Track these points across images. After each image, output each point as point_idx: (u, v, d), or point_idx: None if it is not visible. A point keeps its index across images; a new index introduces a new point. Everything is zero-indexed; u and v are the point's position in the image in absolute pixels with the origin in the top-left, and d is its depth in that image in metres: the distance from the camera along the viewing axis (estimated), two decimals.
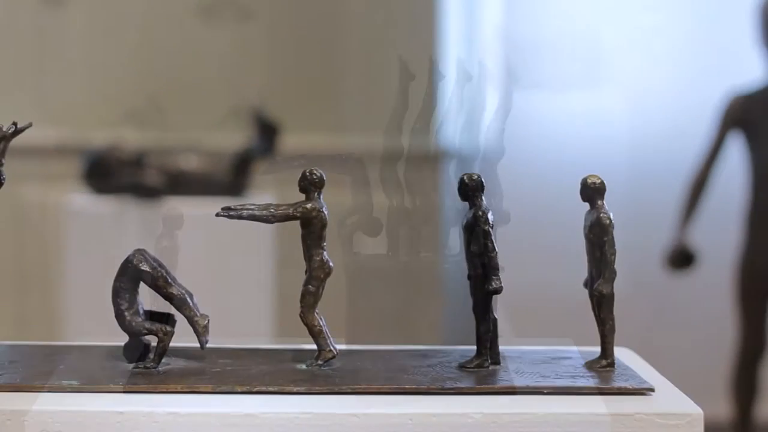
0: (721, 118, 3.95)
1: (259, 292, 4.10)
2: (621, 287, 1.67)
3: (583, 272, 1.59)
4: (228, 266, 4.10)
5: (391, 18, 4.77)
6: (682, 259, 4.05)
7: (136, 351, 1.48)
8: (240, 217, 1.50)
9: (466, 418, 1.35)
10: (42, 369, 1.45)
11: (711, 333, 4.47)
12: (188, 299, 1.48)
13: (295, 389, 1.39)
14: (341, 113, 4.76)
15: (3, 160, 1.48)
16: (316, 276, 1.49)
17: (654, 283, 4.43)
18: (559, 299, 4.37)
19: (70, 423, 1.32)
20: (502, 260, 1.62)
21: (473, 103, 5.11)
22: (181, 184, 4.12)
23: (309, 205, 1.50)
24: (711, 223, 4.19)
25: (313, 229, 1.50)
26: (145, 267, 1.47)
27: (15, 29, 4.71)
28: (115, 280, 1.48)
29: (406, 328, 4.72)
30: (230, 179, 4.14)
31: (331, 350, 1.48)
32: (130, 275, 1.47)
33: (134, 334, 1.47)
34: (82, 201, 4.09)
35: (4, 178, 1.50)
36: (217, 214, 1.49)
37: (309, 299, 1.50)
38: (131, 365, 1.46)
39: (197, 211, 4.17)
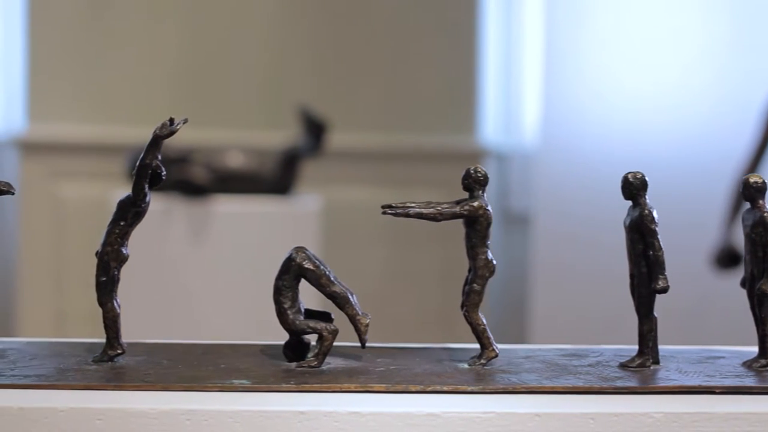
0: (766, 117, 3.94)
1: (303, 291, 4.08)
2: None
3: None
4: (272, 263, 4.08)
5: (432, 16, 4.75)
6: (729, 259, 4.04)
7: (297, 350, 1.46)
8: (407, 215, 1.48)
9: (647, 417, 1.33)
10: (205, 368, 1.43)
11: None
12: (351, 298, 1.46)
13: (469, 388, 1.38)
14: (385, 112, 4.74)
15: (159, 155, 1.45)
16: (481, 275, 1.48)
17: None
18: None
19: (251, 422, 1.30)
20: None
21: (514, 101, 5.11)
22: (228, 181, 4.10)
23: (476, 203, 1.48)
24: None
25: (478, 228, 1.48)
26: (308, 265, 1.45)
27: (62, 28, 4.68)
28: (277, 279, 1.46)
29: (448, 326, 4.71)
30: (277, 177, 4.12)
31: (494, 349, 1.47)
32: (293, 273, 1.45)
33: (297, 332, 1.45)
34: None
35: (164, 174, 1.47)
36: (384, 212, 1.47)
37: (474, 298, 1.48)
38: (293, 364, 1.44)
39: (244, 209, 4.19)
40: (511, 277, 4.86)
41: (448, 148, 4.77)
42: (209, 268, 4.07)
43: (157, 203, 4.05)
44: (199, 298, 4.04)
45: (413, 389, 1.38)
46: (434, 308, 4.76)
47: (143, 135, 4.56)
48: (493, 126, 4.86)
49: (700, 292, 4.46)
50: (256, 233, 4.09)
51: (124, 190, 4.38)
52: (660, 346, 1.66)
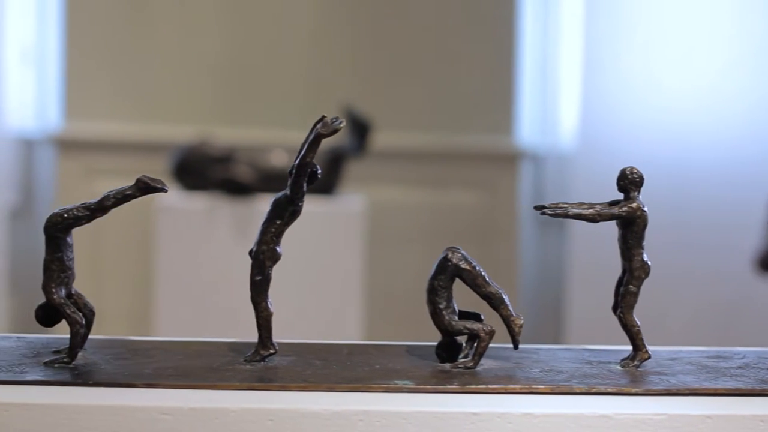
0: None
1: (347, 290, 4.07)
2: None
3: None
4: (316, 263, 4.08)
5: (471, 16, 4.74)
6: None
7: (450, 351, 1.45)
8: (566, 216, 1.47)
9: None
10: (360, 369, 1.42)
11: None
12: (505, 298, 1.44)
13: (633, 390, 1.37)
14: (425, 112, 4.73)
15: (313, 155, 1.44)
16: (637, 276, 1.47)
17: None
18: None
19: (424, 423, 1.29)
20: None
21: (550, 102, 5.11)
22: (272, 181, 4.08)
23: (634, 205, 1.47)
24: None
25: (635, 229, 1.47)
26: (464, 265, 1.43)
27: (100, 25, 4.66)
28: (432, 278, 1.45)
29: None
30: (322, 177, 4.10)
31: (647, 351, 1.46)
32: (449, 273, 1.44)
33: (453, 333, 1.44)
34: (172, 197, 4.05)
35: (320, 173, 1.45)
36: (542, 213, 1.46)
37: (630, 299, 1.47)
38: (447, 365, 1.43)
39: None
40: (547, 278, 4.86)
41: (485, 148, 4.76)
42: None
43: (201, 202, 4.05)
44: (244, 297, 4.02)
45: (578, 390, 1.37)
46: (473, 307, 4.75)
47: (182, 133, 4.55)
48: (529, 127, 4.86)
49: (741, 293, 4.46)
50: (300, 233, 4.07)
51: (172, 189, 4.34)
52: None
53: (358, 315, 4.06)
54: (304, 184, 1.44)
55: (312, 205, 4.09)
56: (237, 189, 4.02)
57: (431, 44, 4.73)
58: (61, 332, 1.57)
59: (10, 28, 4.51)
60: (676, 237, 4.44)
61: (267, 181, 4.07)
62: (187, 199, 4.05)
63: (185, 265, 4.04)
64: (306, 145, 1.43)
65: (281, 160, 4.11)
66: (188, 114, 4.65)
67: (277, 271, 4.39)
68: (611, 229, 4.93)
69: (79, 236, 4.61)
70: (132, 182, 4.89)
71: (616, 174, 5.36)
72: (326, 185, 4.11)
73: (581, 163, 4.57)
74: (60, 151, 4.67)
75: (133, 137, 4.64)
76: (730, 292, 4.48)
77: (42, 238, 4.84)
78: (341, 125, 1.40)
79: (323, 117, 1.45)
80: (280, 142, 4.26)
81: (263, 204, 4.04)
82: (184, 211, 4.03)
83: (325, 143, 4.51)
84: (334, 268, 4.08)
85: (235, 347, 1.54)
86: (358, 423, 1.29)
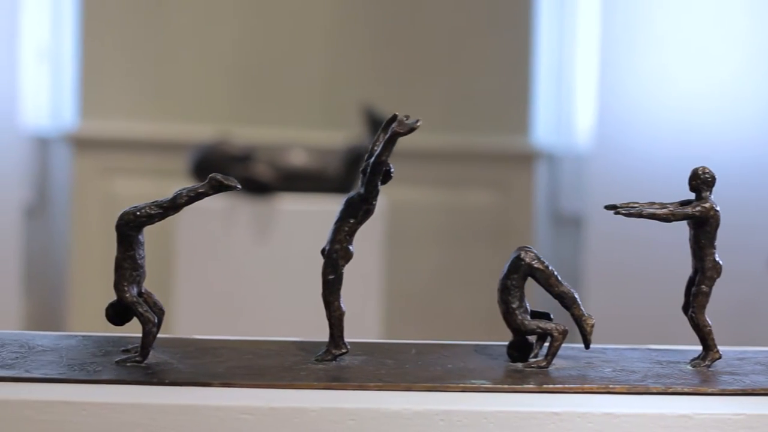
0: None
1: (366, 289, 4.07)
2: None
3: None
4: None
5: (487, 16, 4.75)
6: None
7: (522, 350, 1.45)
8: (640, 215, 1.47)
9: None
10: (433, 368, 1.42)
11: None
12: (577, 298, 1.45)
13: (709, 390, 1.37)
14: (443, 112, 4.73)
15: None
16: (710, 276, 1.47)
17: None
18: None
19: (506, 423, 1.28)
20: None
21: (566, 102, 5.10)
22: (292, 180, 4.08)
23: (707, 205, 1.47)
24: None
25: (708, 229, 1.47)
26: (538, 265, 1.43)
27: (116, 23, 4.65)
28: (505, 278, 1.45)
29: (498, 324, 4.71)
30: (341, 176, 4.10)
31: (718, 351, 1.46)
32: (522, 273, 1.44)
33: (526, 333, 1.43)
34: None
35: (393, 172, 1.45)
36: (616, 212, 1.46)
37: (702, 300, 1.47)
38: (519, 364, 1.43)
39: (308, 207, 4.17)
40: (562, 278, 4.85)
41: (501, 148, 4.76)
42: (273, 266, 4.05)
43: (220, 201, 4.04)
44: (263, 297, 4.02)
45: (654, 390, 1.37)
46: (489, 307, 4.76)
47: (200, 132, 4.55)
48: (545, 127, 4.86)
49: (757, 293, 4.47)
50: (319, 232, 4.06)
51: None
52: None
53: (376, 314, 4.06)
54: (378, 183, 1.43)
55: (331, 204, 4.09)
56: (257, 188, 4.02)
57: (447, 44, 4.73)
58: (122, 331, 1.56)
59: (25, 25, 4.50)
60: None
61: (287, 180, 4.07)
62: (206, 198, 4.04)
63: (204, 264, 4.03)
64: (381, 144, 1.42)
65: (301, 159, 4.11)
66: (206, 112, 4.64)
67: (295, 270, 4.38)
68: (627, 229, 4.91)
69: (96, 235, 4.64)
70: (155, 180, 4.96)
71: (632, 174, 5.39)
72: (345, 185, 4.10)
73: (597, 163, 4.57)
74: (75, 150, 4.66)
75: (150, 136, 4.63)
76: (746, 291, 4.49)
77: (57, 237, 4.85)
78: (418, 124, 1.39)
79: (395, 115, 1.44)
80: (299, 141, 4.26)
81: (283, 203, 4.04)
82: (204, 209, 4.01)
83: (342, 143, 4.49)
84: (353, 267, 4.06)
85: (302, 346, 1.54)
86: (439, 423, 1.28)
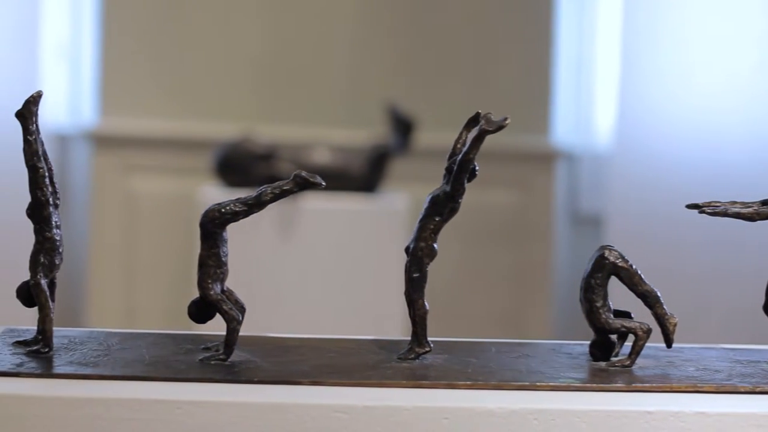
0: None
1: (389, 288, 4.07)
2: None
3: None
4: (358, 261, 4.07)
5: (508, 14, 4.75)
6: None
7: (604, 349, 1.45)
8: (725, 214, 1.47)
9: None
10: (515, 368, 1.42)
11: None
12: (660, 297, 1.45)
13: None
14: (464, 111, 4.73)
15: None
16: None
17: None
18: None
19: (598, 422, 1.28)
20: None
21: (586, 101, 5.09)
22: None
23: None
24: None
25: None
26: (622, 264, 1.44)
27: (145, 22, 4.64)
28: (588, 276, 1.45)
29: (517, 323, 4.72)
30: (365, 175, 4.10)
31: None
32: (606, 271, 1.44)
33: (610, 331, 1.44)
34: (214, 193, 4.04)
35: (477, 170, 1.45)
36: (701, 211, 1.46)
37: None
38: (603, 363, 1.43)
39: (331, 206, 4.16)
40: (580, 279, 4.85)
41: (521, 148, 4.76)
42: (296, 265, 4.05)
43: None
44: (286, 295, 4.02)
45: (742, 389, 1.37)
46: (508, 306, 4.76)
47: (221, 130, 4.54)
48: (565, 126, 4.86)
49: None
50: (343, 230, 4.08)
51: (209, 186, 4.33)
52: None
53: (399, 312, 4.06)
54: (465, 181, 1.43)
55: (355, 203, 4.10)
56: None
57: (469, 44, 4.73)
58: (200, 329, 1.56)
59: (45, 22, 4.49)
60: (712, 236, 4.45)
61: None
62: (230, 196, 4.03)
63: (228, 262, 4.02)
64: (469, 142, 1.42)
65: (324, 157, 4.11)
66: (227, 110, 4.63)
67: (319, 269, 4.38)
68: (645, 229, 4.89)
69: (115, 232, 4.63)
70: (175, 178, 4.94)
71: (652, 173, 5.38)
72: (368, 183, 4.11)
73: (617, 163, 4.57)
74: (95, 147, 4.65)
75: (171, 133, 4.62)
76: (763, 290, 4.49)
77: (77, 235, 4.83)
78: (507, 122, 1.40)
79: (478, 113, 1.44)
80: (322, 140, 4.26)
81: (306, 201, 4.03)
82: None
83: (365, 141, 4.49)
84: (377, 265, 4.08)
85: (380, 344, 1.53)
86: (533, 422, 1.28)
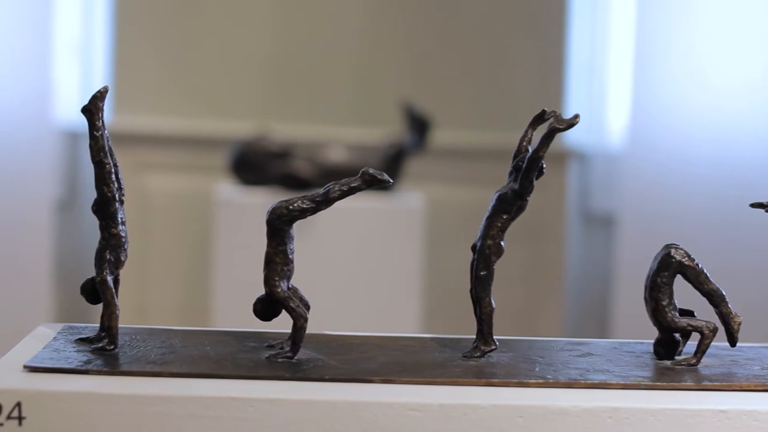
0: None
1: (406, 286, 4.07)
2: None
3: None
4: (375, 259, 4.07)
5: (521, 13, 4.75)
6: None
7: (669, 348, 1.45)
8: None
9: None
10: (578, 366, 1.42)
11: None
12: (725, 296, 1.45)
13: None
14: (477, 110, 4.74)
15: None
16: None
17: None
18: None
19: (673, 420, 1.28)
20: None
21: (598, 101, 5.10)
22: (331, 176, 4.06)
23: None
24: None
25: None
26: (688, 262, 1.44)
27: (158, 20, 4.63)
28: (654, 275, 1.45)
29: (529, 321, 4.72)
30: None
31: None
32: (673, 270, 1.44)
33: (675, 330, 1.44)
34: (230, 191, 4.03)
35: (545, 167, 1.45)
36: (752, 205, 1.47)
37: None
38: (668, 362, 1.44)
39: (348, 205, 4.15)
40: (594, 277, 4.87)
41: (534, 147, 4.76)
42: (311, 263, 4.04)
43: (260, 197, 4.03)
44: (303, 293, 4.01)
45: None
46: (520, 304, 4.77)
47: (236, 128, 4.52)
48: (578, 126, 4.86)
49: None
50: (358, 229, 4.08)
51: (224, 184, 4.31)
52: None
53: (416, 311, 4.06)
54: (534, 179, 1.43)
55: (371, 202, 4.09)
56: (297, 184, 4.01)
57: (482, 43, 4.73)
58: (260, 326, 1.55)
59: (57, 19, 4.47)
60: (726, 235, 4.46)
61: (326, 176, 4.05)
62: (246, 193, 4.04)
63: (244, 259, 4.01)
64: (540, 140, 1.42)
65: (340, 155, 4.10)
66: (241, 108, 4.63)
67: (335, 267, 4.37)
68: (658, 229, 4.88)
69: (131, 231, 4.58)
70: (189, 176, 4.94)
71: (665, 173, 5.39)
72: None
73: (630, 163, 4.58)
74: None
75: (184, 131, 4.61)
76: None
77: (88, 232, 4.82)
78: (577, 120, 1.40)
79: (544, 111, 1.44)
80: (338, 138, 4.25)
81: None
82: (244, 205, 4.01)
83: (380, 140, 4.48)
84: (393, 264, 4.08)
85: (442, 342, 1.53)
86: (607, 420, 1.28)
